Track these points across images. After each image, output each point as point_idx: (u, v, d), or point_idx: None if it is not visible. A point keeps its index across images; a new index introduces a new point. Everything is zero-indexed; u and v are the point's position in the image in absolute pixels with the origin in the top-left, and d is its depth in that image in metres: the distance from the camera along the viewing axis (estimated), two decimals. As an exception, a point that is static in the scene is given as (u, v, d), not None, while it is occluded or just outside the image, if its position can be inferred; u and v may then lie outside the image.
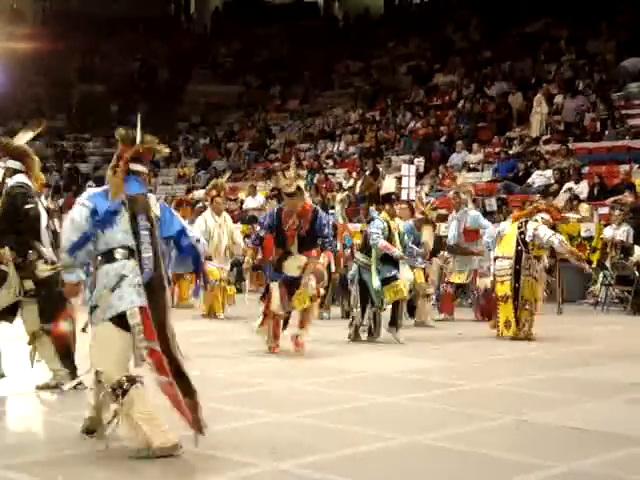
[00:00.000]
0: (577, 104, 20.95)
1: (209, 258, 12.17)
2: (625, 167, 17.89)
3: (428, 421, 5.86)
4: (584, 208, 16.22)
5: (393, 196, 10.58)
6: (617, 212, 15.06)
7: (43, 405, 6.57)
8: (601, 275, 14.61)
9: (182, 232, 5.25)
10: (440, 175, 19.91)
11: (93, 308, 5.00)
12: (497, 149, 20.95)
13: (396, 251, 9.86)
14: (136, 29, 36.62)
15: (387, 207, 10.15)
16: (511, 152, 20.38)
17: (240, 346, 9.56)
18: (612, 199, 16.20)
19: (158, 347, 4.88)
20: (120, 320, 4.89)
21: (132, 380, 4.86)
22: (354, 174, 21.87)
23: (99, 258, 5.03)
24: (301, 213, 8.88)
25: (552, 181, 18.18)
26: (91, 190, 5.28)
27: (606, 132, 19.94)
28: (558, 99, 21.43)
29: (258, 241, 9.10)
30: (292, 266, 8.87)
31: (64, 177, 29.49)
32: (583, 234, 15.49)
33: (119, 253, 4.93)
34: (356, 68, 30.67)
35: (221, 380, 7.33)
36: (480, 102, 23.49)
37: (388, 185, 10.87)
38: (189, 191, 25.32)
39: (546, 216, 10.38)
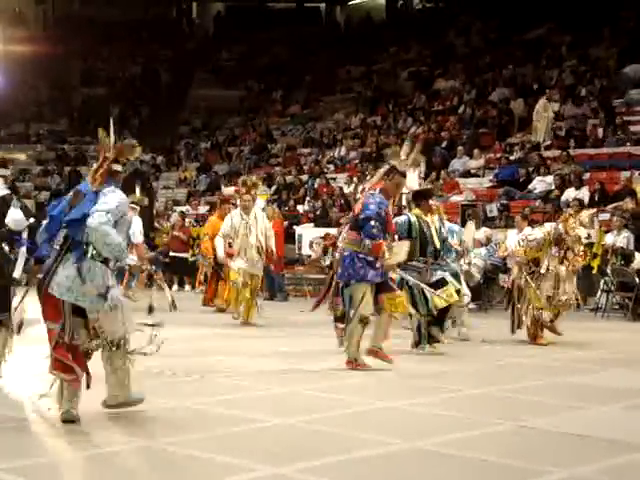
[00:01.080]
0: (578, 110, 20.96)
1: (230, 256, 12.20)
2: (626, 174, 17.90)
3: (428, 427, 5.86)
4: (585, 214, 16.19)
5: (429, 192, 10.02)
6: (615, 219, 15.06)
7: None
8: (602, 282, 14.59)
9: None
10: (441, 181, 19.92)
11: None
12: (498, 155, 20.97)
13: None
14: (138, 33, 36.68)
15: (422, 203, 9.48)
16: (512, 158, 20.40)
17: (244, 351, 9.57)
18: (613, 205, 16.21)
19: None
20: None
21: None
22: (355, 179, 21.89)
23: None
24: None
25: (553, 187, 18.18)
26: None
27: (607, 139, 19.95)
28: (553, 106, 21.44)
29: (382, 234, 8.09)
30: (401, 251, 8.28)
31: (65, 180, 29.49)
32: (584, 240, 15.45)
33: None
34: (357, 73, 30.72)
35: (221, 384, 7.33)
36: (481, 108, 23.52)
37: (411, 181, 9.98)
38: (190, 195, 25.38)
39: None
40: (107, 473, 4.69)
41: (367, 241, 7.94)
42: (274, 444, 5.30)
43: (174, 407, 6.41)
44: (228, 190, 13.34)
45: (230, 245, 12.29)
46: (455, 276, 9.62)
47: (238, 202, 12.69)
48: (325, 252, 17.18)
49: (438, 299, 9.08)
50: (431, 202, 9.71)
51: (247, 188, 12.37)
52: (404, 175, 8.21)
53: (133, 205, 14.26)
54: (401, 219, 9.41)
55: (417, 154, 8.62)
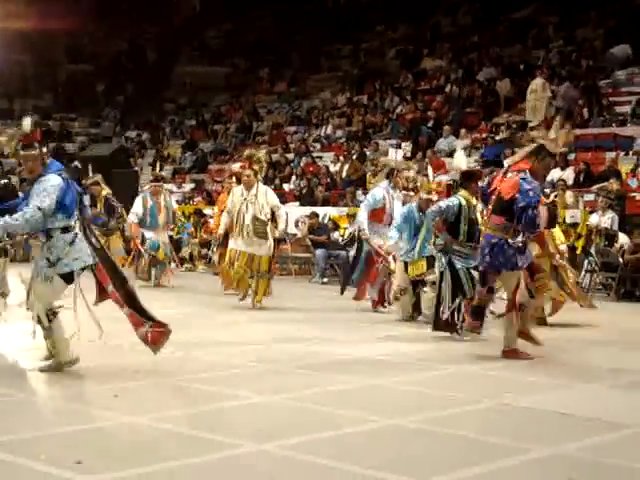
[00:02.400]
0: (567, 91, 20.89)
1: (225, 236, 11.63)
2: (611, 154, 17.93)
3: (411, 404, 5.87)
4: (569, 195, 16.24)
5: (478, 174, 9.68)
6: (600, 199, 15.11)
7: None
8: (586, 262, 14.65)
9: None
10: (427, 160, 19.90)
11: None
12: (484, 134, 20.95)
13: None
14: (124, 9, 36.37)
15: (470, 185, 9.06)
16: (498, 138, 20.38)
17: (229, 328, 9.57)
18: (597, 186, 16.24)
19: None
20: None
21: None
22: (341, 158, 21.86)
23: None
24: None
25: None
26: None
27: (593, 119, 19.97)
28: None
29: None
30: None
31: (50, 156, 29.33)
32: (568, 220, 15.51)
33: None
34: (344, 52, 30.59)
35: (205, 362, 7.33)
36: (467, 87, 23.48)
37: (460, 160, 9.83)
38: (175, 173, 25.30)
39: None
40: (89, 449, 4.68)
41: (526, 232, 7.65)
42: (258, 421, 5.31)
43: (157, 383, 6.41)
44: (234, 166, 12.69)
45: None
46: None
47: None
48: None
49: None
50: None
51: (249, 163, 11.59)
52: (554, 156, 7.83)
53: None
54: (452, 202, 9.02)
55: (569, 133, 8.31)
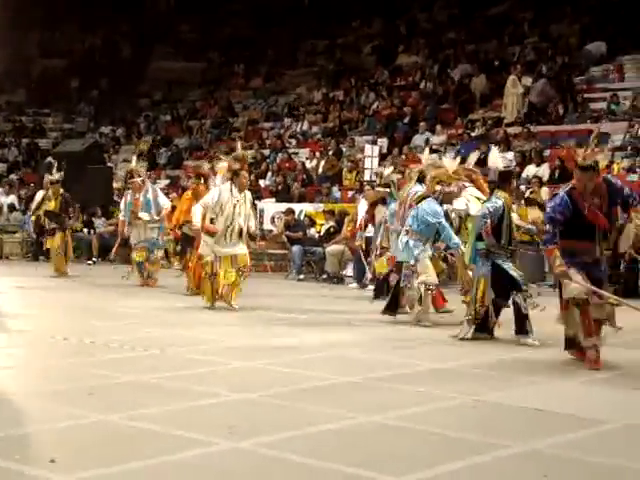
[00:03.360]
0: (541, 87, 20.98)
1: (211, 235, 10.94)
2: (586, 151, 17.99)
3: (386, 401, 5.87)
4: (544, 191, 16.31)
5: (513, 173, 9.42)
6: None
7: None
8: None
9: None
10: (403, 156, 19.92)
11: None
12: (460, 131, 21.00)
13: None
14: (98, 4, 36.11)
15: (506, 186, 8.83)
16: (474, 134, 20.43)
17: (205, 326, 9.54)
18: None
19: None
20: None
21: None
22: (317, 154, 21.84)
23: None
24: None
25: (514, 163, 18.25)
26: None
27: (568, 115, 20.05)
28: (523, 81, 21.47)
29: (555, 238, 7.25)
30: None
31: (23, 152, 29.14)
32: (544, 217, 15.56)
33: None
34: (320, 47, 30.55)
35: (181, 359, 7.29)
36: (443, 84, 23.52)
37: (496, 159, 9.40)
38: (150, 168, 25.15)
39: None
40: (63, 448, 4.64)
41: None
42: (234, 418, 5.28)
43: (132, 381, 6.37)
44: (221, 165, 11.85)
45: (212, 221, 10.97)
46: None
47: (218, 179, 11.67)
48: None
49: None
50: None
51: (241, 164, 11.06)
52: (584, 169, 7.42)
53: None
54: (496, 204, 8.61)
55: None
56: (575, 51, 22.51)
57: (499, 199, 8.66)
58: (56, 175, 15.87)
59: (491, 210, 8.54)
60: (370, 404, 5.74)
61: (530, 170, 17.51)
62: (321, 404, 5.68)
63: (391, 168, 13.11)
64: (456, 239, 9.84)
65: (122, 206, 14.47)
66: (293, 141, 24.32)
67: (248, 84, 30.31)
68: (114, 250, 15.93)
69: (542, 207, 10.43)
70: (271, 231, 18.00)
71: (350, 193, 19.02)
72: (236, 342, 8.32)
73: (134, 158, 16.81)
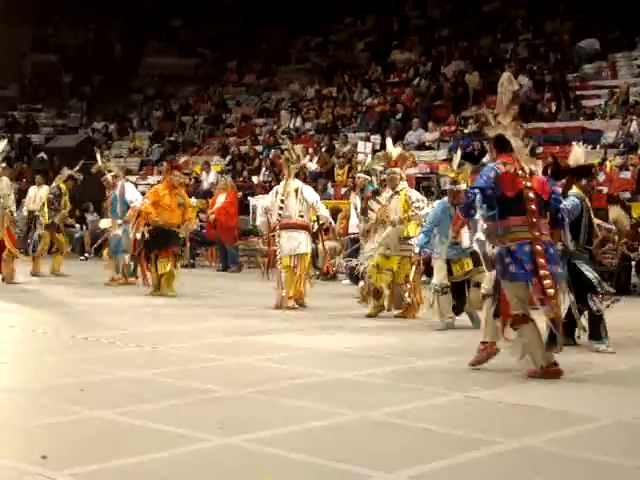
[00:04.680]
0: (525, 89, 20.97)
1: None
2: (579, 148, 18.01)
3: (379, 397, 5.86)
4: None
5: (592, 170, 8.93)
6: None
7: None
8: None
9: None
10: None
11: None
12: (453, 127, 21.00)
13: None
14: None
15: (583, 182, 8.37)
16: (467, 131, 20.44)
17: (197, 323, 9.53)
18: (565, 180, 16.29)
19: None
20: None
21: None
22: (310, 150, 21.81)
23: None
24: None
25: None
26: None
27: (560, 113, 20.07)
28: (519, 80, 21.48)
29: None
30: None
31: (15, 148, 29.05)
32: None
33: None
34: (313, 44, 30.52)
35: (172, 355, 7.28)
36: (437, 80, 23.52)
37: (578, 155, 8.90)
38: (143, 165, 25.13)
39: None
40: (55, 444, 4.62)
41: None
42: (225, 414, 5.27)
43: (124, 377, 6.35)
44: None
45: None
46: None
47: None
48: None
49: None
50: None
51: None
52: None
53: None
54: (575, 202, 8.08)
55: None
56: (568, 48, 22.54)
57: (577, 196, 8.16)
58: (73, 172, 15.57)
59: (570, 208, 7.83)
60: (362, 401, 5.73)
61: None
62: (312, 400, 5.67)
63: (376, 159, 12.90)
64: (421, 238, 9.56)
65: None
66: (286, 137, 24.29)
67: (241, 80, 30.27)
68: (95, 244, 15.85)
69: (625, 206, 9.88)
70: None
71: (343, 190, 18.99)
72: (227, 338, 8.31)
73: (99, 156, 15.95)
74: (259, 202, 16.14)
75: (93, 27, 35.53)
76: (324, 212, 11.19)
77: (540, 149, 18.44)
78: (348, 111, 24.18)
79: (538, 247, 6.55)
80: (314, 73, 28.09)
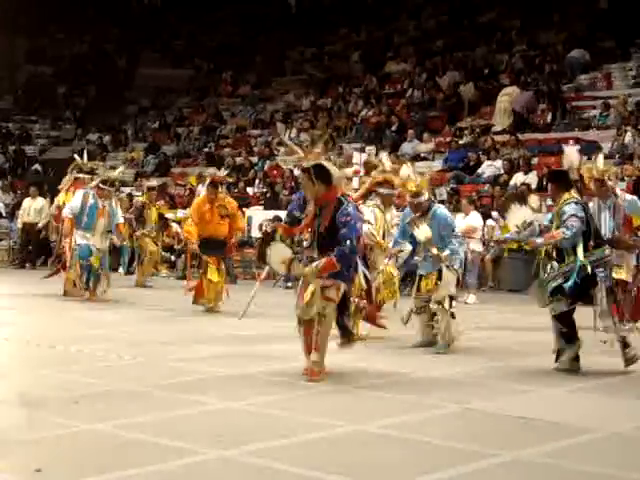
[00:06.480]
0: (527, 99, 21.03)
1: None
2: (574, 159, 18.05)
3: (374, 409, 5.85)
4: (533, 199, 16.30)
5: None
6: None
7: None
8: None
9: None
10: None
11: None
12: (448, 138, 21.04)
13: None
14: (85, 11, 36.09)
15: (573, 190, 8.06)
16: (462, 142, 20.49)
17: (187, 332, 9.51)
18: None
19: None
20: None
21: None
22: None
23: None
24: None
25: (502, 171, 18.32)
26: None
27: (556, 123, 20.13)
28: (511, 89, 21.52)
29: None
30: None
31: (10, 159, 29.03)
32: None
33: None
34: (308, 55, 30.58)
35: (168, 367, 7.26)
36: (432, 91, 23.57)
37: (572, 156, 8.70)
38: (138, 176, 25.10)
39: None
40: (49, 457, 4.60)
41: None
42: (220, 427, 5.26)
43: (119, 389, 6.33)
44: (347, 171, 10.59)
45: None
46: None
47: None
48: None
49: None
50: None
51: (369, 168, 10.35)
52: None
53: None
54: (577, 207, 7.78)
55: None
56: (563, 59, 22.61)
57: (576, 200, 7.85)
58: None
59: (580, 215, 7.64)
60: (358, 412, 5.73)
61: (518, 178, 17.56)
62: (309, 412, 5.66)
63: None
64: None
65: (76, 204, 13.03)
66: (281, 148, 24.30)
67: (236, 91, 30.29)
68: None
69: None
70: (259, 239, 17.97)
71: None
72: (223, 350, 8.29)
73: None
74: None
75: (88, 39, 35.57)
76: None
77: (535, 160, 18.50)
78: (343, 122, 24.20)
79: None
80: (309, 84, 28.12)
